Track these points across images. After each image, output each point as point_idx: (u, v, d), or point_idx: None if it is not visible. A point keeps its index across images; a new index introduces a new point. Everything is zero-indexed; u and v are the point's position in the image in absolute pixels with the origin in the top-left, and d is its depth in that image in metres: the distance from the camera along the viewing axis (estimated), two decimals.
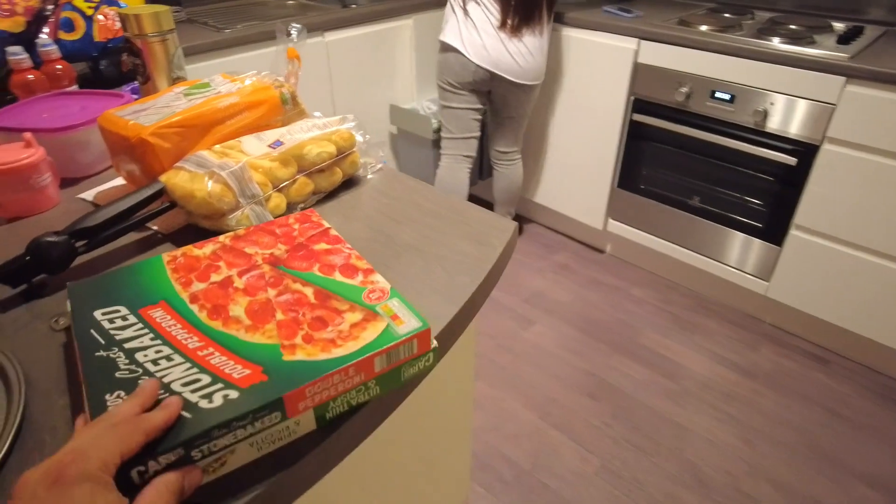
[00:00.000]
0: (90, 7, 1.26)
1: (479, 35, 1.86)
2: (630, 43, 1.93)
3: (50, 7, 1.22)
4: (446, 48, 1.94)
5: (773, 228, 1.84)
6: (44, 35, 1.15)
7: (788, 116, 1.69)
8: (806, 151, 1.70)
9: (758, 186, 1.84)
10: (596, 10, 2.12)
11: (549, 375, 1.82)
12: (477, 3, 1.84)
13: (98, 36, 1.25)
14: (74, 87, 1.11)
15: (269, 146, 0.77)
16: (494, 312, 2.09)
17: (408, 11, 2.21)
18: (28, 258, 0.63)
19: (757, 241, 1.89)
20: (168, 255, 0.60)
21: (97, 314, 0.53)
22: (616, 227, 2.25)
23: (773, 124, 1.73)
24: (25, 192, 0.79)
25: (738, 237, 1.93)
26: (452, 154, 2.11)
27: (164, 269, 0.58)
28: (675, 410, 1.69)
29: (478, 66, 1.88)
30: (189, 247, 0.62)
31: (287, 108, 0.87)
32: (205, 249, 0.61)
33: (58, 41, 1.22)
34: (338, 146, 0.80)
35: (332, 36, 2.02)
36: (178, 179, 0.71)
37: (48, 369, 0.55)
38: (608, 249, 2.41)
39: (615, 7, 2.10)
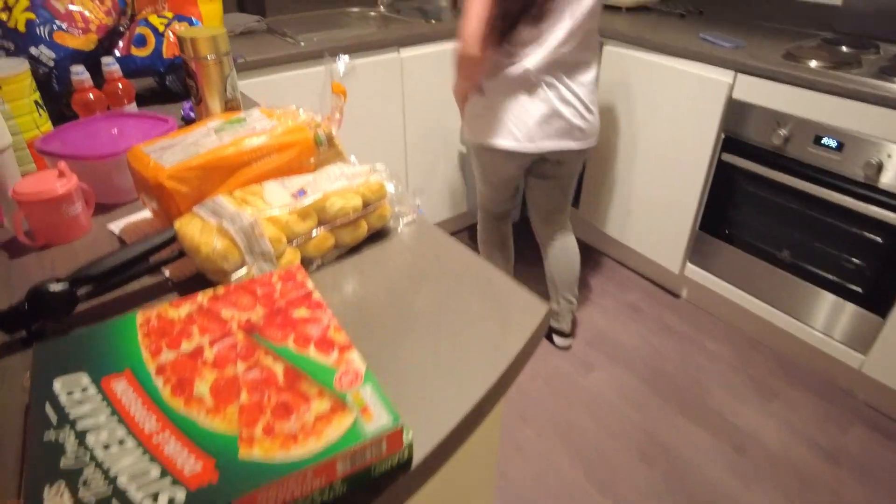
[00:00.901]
0: (162, 23, 1.27)
1: (522, 111, 1.50)
2: (725, 76, 1.75)
3: (125, 23, 1.24)
4: (482, 150, 1.62)
5: (877, 296, 1.61)
6: (111, 56, 1.17)
7: None
8: None
9: (862, 246, 1.61)
10: (692, 35, 1.96)
11: (602, 429, 1.69)
12: (510, 69, 1.47)
13: (166, 52, 1.26)
14: (133, 105, 1.12)
15: (293, 195, 0.72)
16: (551, 352, 1.97)
17: None
18: (26, 305, 0.61)
19: (855, 308, 1.66)
20: (142, 316, 0.56)
21: (57, 385, 0.49)
22: (694, 271, 2.07)
23: (888, 179, 1.51)
24: (56, 221, 0.78)
25: (833, 300, 1.71)
26: (492, 211, 1.85)
27: (135, 333, 0.54)
28: (739, 489, 1.51)
29: (529, 153, 1.56)
30: (166, 306, 0.58)
31: (321, 150, 0.82)
32: (181, 310, 0.57)
33: (129, 56, 1.24)
34: (365, 198, 0.74)
35: (407, 52, 1.97)
36: (190, 228, 0.67)
37: (12, 432, 0.52)
38: (684, 294, 2.22)
39: (714, 34, 1.92)
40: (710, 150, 1.85)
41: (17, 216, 0.77)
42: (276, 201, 0.71)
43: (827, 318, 1.74)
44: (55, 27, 1.10)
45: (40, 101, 1.00)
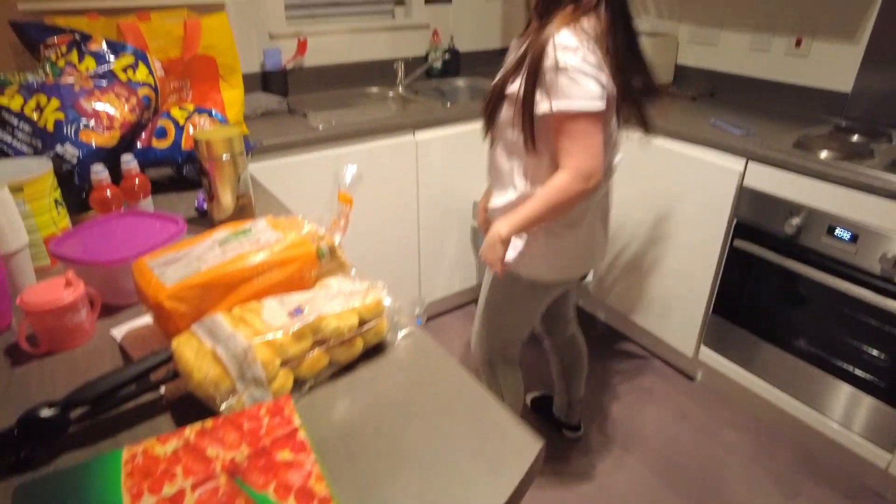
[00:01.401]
0: (183, 116, 1.33)
1: (596, 231, 1.37)
2: (737, 163, 1.76)
3: (148, 117, 1.30)
4: (543, 285, 1.39)
5: None
6: (131, 153, 1.21)
7: None
8: None
9: (882, 339, 1.56)
10: (703, 120, 1.98)
11: None
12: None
13: (185, 144, 1.31)
14: (148, 200, 1.16)
15: (290, 313, 0.72)
16: (561, 442, 1.91)
17: None
18: (16, 432, 0.61)
19: (877, 403, 1.60)
20: (128, 452, 0.56)
21: None
22: (709, 355, 2.02)
23: None
24: (60, 329, 0.80)
25: (856, 394, 1.65)
26: (520, 341, 1.55)
27: (118, 473, 0.54)
28: None
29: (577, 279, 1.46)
30: (153, 441, 0.57)
31: (323, 262, 0.83)
32: (167, 447, 0.57)
33: (149, 148, 1.29)
34: (361, 317, 0.74)
35: (422, 135, 2.03)
36: (187, 349, 0.67)
37: None
38: (699, 377, 2.16)
39: (725, 120, 1.94)
40: (723, 236, 1.84)
41: (22, 325, 0.78)
42: (273, 320, 0.71)
43: (848, 412, 1.68)
44: (82, 126, 1.15)
45: (60, 199, 1.03)
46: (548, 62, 1.06)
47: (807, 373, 1.74)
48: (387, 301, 0.78)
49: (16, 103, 1.13)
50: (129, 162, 1.11)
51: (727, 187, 1.79)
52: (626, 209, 2.16)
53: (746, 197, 1.77)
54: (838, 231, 1.58)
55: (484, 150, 2.14)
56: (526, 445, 0.65)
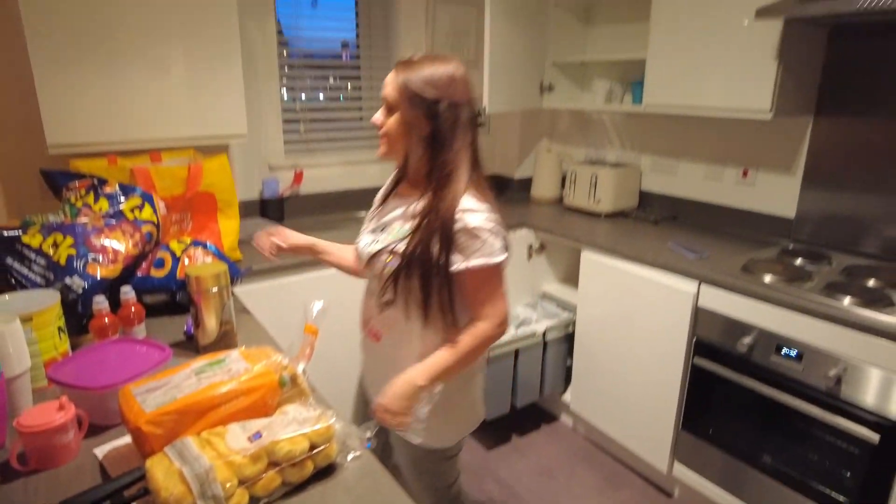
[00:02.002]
0: (181, 248, 1.50)
1: (480, 383, 1.42)
2: (690, 286, 1.91)
3: (149, 250, 1.47)
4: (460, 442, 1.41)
5: None
6: (129, 284, 1.36)
7: (865, 386, 1.54)
8: (893, 428, 1.50)
9: (840, 455, 1.62)
10: (662, 243, 2.16)
11: None
12: None
13: (180, 273, 1.46)
14: (142, 326, 1.29)
15: (249, 438, 0.83)
16: None
17: None
18: None
19: None
20: None
21: None
22: (683, 472, 2.05)
23: (849, 391, 1.57)
24: (49, 448, 0.90)
25: None
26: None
27: None
28: None
29: None
30: None
31: (285, 390, 0.94)
32: None
33: (148, 277, 1.45)
34: (312, 442, 0.85)
35: None
36: (159, 469, 0.78)
37: None
38: (676, 494, 2.17)
39: (681, 243, 2.12)
40: (684, 354, 1.95)
41: (15, 445, 0.89)
42: (235, 444, 0.82)
43: None
44: (90, 259, 1.31)
45: (63, 327, 1.17)
46: (458, 225, 1.14)
47: (780, 493, 1.78)
48: (337, 425, 0.89)
49: (35, 241, 1.30)
50: (127, 293, 1.26)
51: (684, 308, 1.92)
52: (596, 327, 2.28)
53: (703, 317, 1.89)
54: (785, 350, 1.69)
55: None
56: None
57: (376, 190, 1.42)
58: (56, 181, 1.51)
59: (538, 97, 2.73)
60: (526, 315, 2.47)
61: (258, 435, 0.84)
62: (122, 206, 1.44)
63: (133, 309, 1.27)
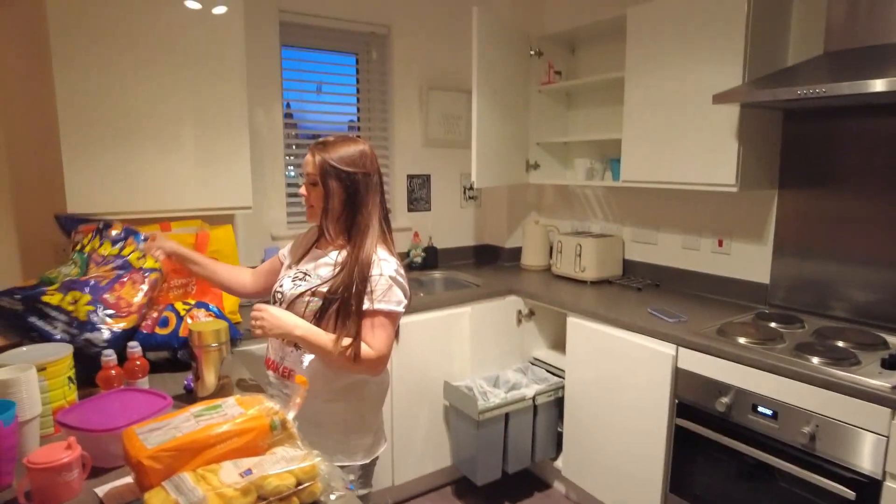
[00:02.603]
0: (185, 308, 1.60)
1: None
2: (669, 348, 1.99)
3: (156, 295, 1.58)
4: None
5: None
6: (136, 340, 1.47)
7: (838, 442, 1.59)
8: (869, 484, 1.54)
9: None
10: (643, 308, 2.26)
11: None
12: None
13: (182, 332, 1.56)
14: (145, 379, 1.38)
15: (240, 474, 0.90)
16: None
17: (467, 301, 2.49)
18: None
19: None
20: None
21: None
22: None
23: (824, 448, 1.62)
24: (54, 485, 0.97)
25: None
26: None
27: None
28: None
29: None
30: None
31: (275, 433, 1.02)
32: None
33: (152, 334, 1.55)
34: (298, 479, 0.92)
35: (402, 320, 2.29)
36: (155, 501, 0.85)
37: None
38: None
39: (660, 309, 2.22)
40: (667, 415, 2.01)
41: (23, 482, 0.96)
42: (227, 479, 0.89)
43: None
44: (107, 316, 1.42)
45: (73, 377, 1.26)
46: (374, 270, 1.37)
47: None
48: (322, 465, 0.96)
49: (55, 299, 1.41)
50: (133, 347, 1.35)
51: (665, 370, 2.00)
52: (585, 391, 2.34)
53: (683, 378, 1.97)
54: (761, 408, 1.75)
55: (456, 335, 2.36)
56: None
57: None
58: (66, 226, 1.65)
59: (524, 174, 2.92)
60: (516, 379, 2.53)
61: (249, 471, 0.91)
62: (126, 253, 1.56)
63: (138, 363, 1.36)
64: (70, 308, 1.40)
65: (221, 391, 1.35)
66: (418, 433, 2.45)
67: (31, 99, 2.08)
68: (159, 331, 1.56)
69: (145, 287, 1.55)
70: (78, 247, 1.65)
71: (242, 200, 2.20)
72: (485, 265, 3.20)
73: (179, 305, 1.61)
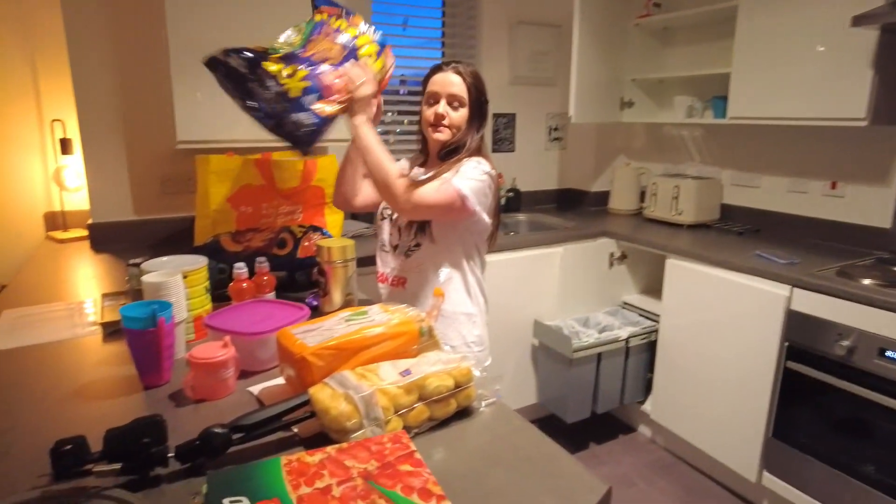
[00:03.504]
0: (300, 232, 1.62)
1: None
2: (782, 289, 1.90)
3: (270, 228, 1.60)
4: None
5: None
6: (264, 255, 1.49)
7: None
8: None
9: None
10: (748, 252, 2.15)
11: None
12: None
13: (300, 254, 1.58)
14: (272, 294, 1.41)
15: (400, 374, 0.91)
16: None
17: (559, 241, 2.44)
18: (198, 442, 0.80)
19: None
20: (285, 459, 0.73)
21: (225, 501, 0.65)
22: (773, 482, 2.00)
23: None
24: (212, 381, 1.00)
25: None
26: None
27: (280, 471, 0.71)
28: None
29: None
30: (303, 453, 0.74)
31: (423, 339, 1.02)
32: (314, 458, 0.73)
33: (273, 255, 1.57)
34: (456, 380, 0.92)
35: (490, 258, 2.27)
36: (322, 395, 0.86)
37: None
38: None
39: (769, 252, 2.11)
40: (775, 359, 1.93)
41: (189, 376, 1.00)
42: (387, 378, 0.90)
43: None
44: (318, 97, 1.29)
45: (208, 288, 1.29)
46: (472, 163, 1.39)
47: (879, 502, 1.72)
48: (475, 372, 0.96)
49: (275, 68, 1.26)
50: (262, 262, 1.38)
51: (776, 312, 1.91)
52: (681, 335, 2.28)
53: (795, 320, 1.88)
54: (889, 352, 1.65)
55: (546, 275, 2.34)
56: (594, 487, 0.78)
57: None
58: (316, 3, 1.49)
59: (618, 112, 2.80)
60: (607, 322, 2.49)
61: (408, 371, 0.91)
62: (359, 43, 1.41)
63: (265, 277, 1.38)
64: (284, 81, 1.26)
65: (347, 307, 1.37)
66: (505, 371, 2.45)
67: (144, 41, 2.11)
68: (277, 252, 1.58)
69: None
70: (317, 18, 1.46)
71: (343, 132, 2.18)
72: (568, 209, 3.12)
73: (295, 228, 1.63)
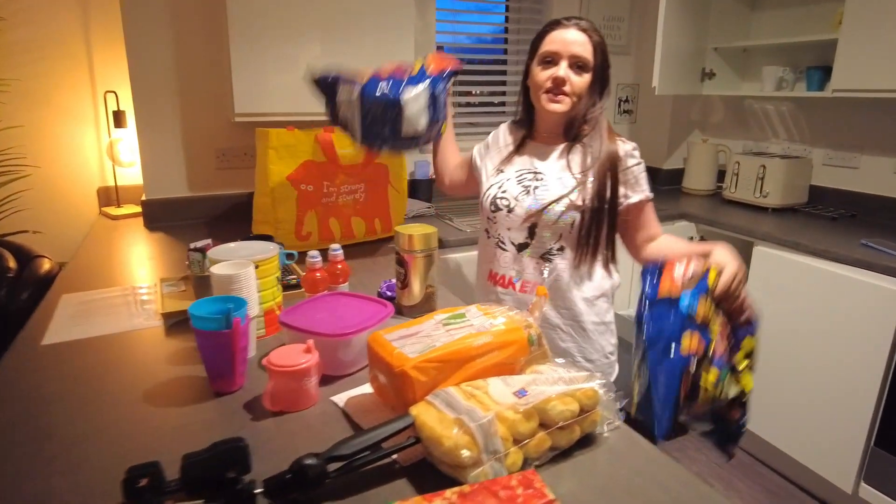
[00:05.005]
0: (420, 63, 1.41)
1: None
2: None
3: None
4: None
5: None
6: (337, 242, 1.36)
7: None
8: None
9: None
10: (851, 240, 1.94)
11: None
12: None
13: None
14: (346, 285, 1.28)
15: (515, 394, 0.77)
16: None
17: None
18: (289, 476, 0.68)
19: None
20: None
21: None
22: (872, 494, 1.83)
23: None
24: (295, 391, 0.89)
25: None
26: None
27: None
28: None
29: None
30: (419, 499, 0.62)
31: (533, 349, 0.89)
32: None
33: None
34: (581, 404, 0.78)
35: None
36: (428, 418, 0.74)
37: None
38: None
39: (877, 241, 1.89)
40: (885, 362, 1.73)
41: (269, 385, 0.88)
42: (501, 399, 0.76)
43: None
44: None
45: (279, 277, 1.18)
46: (631, 162, 1.26)
47: None
48: (601, 393, 0.82)
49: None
50: (335, 250, 1.26)
51: (888, 311, 1.71)
52: (769, 329, 2.09)
53: None
54: None
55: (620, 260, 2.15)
56: None
57: None
58: None
59: (698, 84, 2.57)
60: None
61: (523, 392, 0.78)
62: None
63: (340, 266, 1.26)
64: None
65: (427, 301, 1.24)
66: None
67: (202, 8, 1.99)
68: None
69: None
70: None
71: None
72: None
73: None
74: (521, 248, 1.28)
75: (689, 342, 0.94)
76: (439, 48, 2.51)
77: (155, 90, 2.01)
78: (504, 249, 1.30)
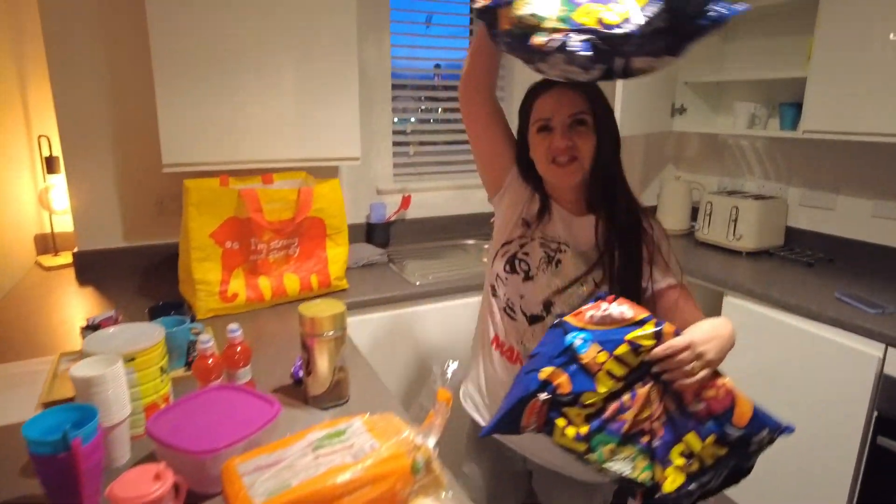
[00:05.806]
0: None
1: None
2: (874, 349, 1.56)
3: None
4: None
5: None
6: (236, 323, 1.24)
7: None
8: None
9: None
10: (826, 293, 1.81)
11: None
12: None
13: None
14: (248, 368, 1.15)
15: None
16: None
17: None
18: None
19: None
20: None
21: None
22: None
23: None
24: None
25: None
26: None
27: None
28: None
29: None
30: None
31: (418, 477, 0.76)
32: None
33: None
34: None
35: None
36: None
37: None
38: None
39: (852, 294, 1.77)
40: (861, 431, 1.60)
41: None
42: None
43: None
44: None
45: (165, 367, 1.05)
46: (657, 233, 1.12)
47: None
48: None
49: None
50: (233, 331, 1.13)
51: (864, 375, 1.58)
52: (741, 386, 1.95)
53: (889, 387, 1.54)
54: None
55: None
56: None
57: (485, 216, 1.25)
58: None
59: (668, 119, 2.46)
60: None
61: None
62: None
63: (239, 349, 1.13)
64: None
65: (336, 388, 1.11)
66: None
67: (134, 46, 1.88)
68: None
69: None
70: None
71: (350, 151, 1.93)
72: None
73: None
74: (532, 320, 1.14)
75: (551, 373, 0.90)
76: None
77: (86, 135, 1.90)
78: (513, 318, 1.16)
